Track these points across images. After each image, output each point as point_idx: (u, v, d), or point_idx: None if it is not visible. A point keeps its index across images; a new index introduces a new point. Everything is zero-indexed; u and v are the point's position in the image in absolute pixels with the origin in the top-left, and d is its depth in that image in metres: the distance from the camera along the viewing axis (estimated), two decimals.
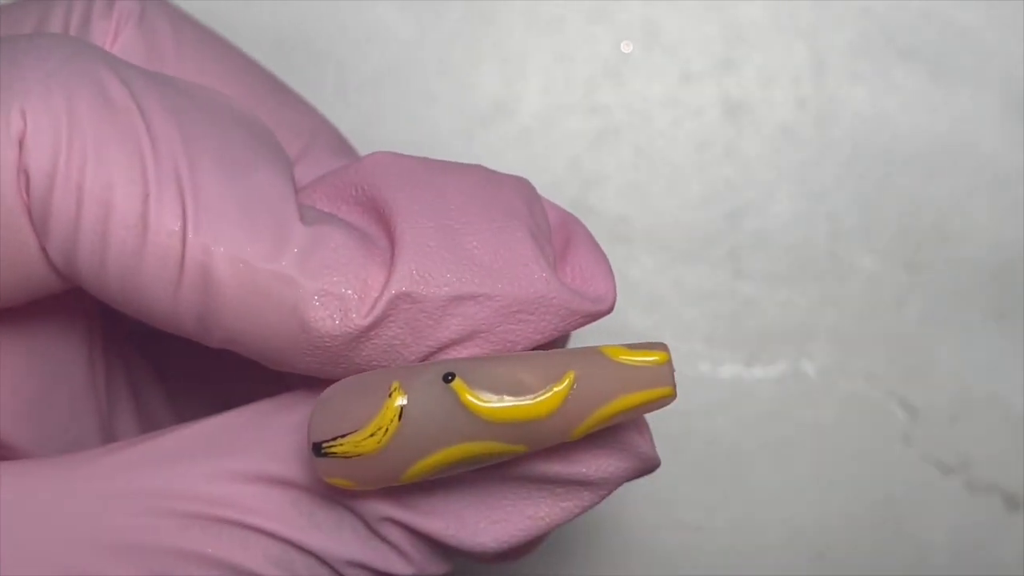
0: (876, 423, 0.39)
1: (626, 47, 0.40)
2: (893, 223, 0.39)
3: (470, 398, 0.23)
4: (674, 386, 0.24)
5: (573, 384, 0.23)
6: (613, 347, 0.24)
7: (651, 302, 0.40)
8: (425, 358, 0.24)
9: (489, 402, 0.23)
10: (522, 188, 0.26)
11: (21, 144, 0.23)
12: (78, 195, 0.23)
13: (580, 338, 0.29)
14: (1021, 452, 0.39)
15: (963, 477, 0.39)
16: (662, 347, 0.24)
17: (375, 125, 0.39)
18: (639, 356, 0.24)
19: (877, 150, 0.39)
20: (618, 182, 0.40)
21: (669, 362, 0.24)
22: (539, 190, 0.27)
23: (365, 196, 0.25)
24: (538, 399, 0.23)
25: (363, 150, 0.30)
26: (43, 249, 0.24)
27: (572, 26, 0.40)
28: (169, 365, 0.31)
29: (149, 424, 0.30)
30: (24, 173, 0.23)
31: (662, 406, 0.24)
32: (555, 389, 0.23)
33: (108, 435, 0.28)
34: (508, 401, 0.23)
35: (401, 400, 0.23)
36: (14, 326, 0.25)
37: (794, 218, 0.39)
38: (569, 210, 0.27)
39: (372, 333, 0.24)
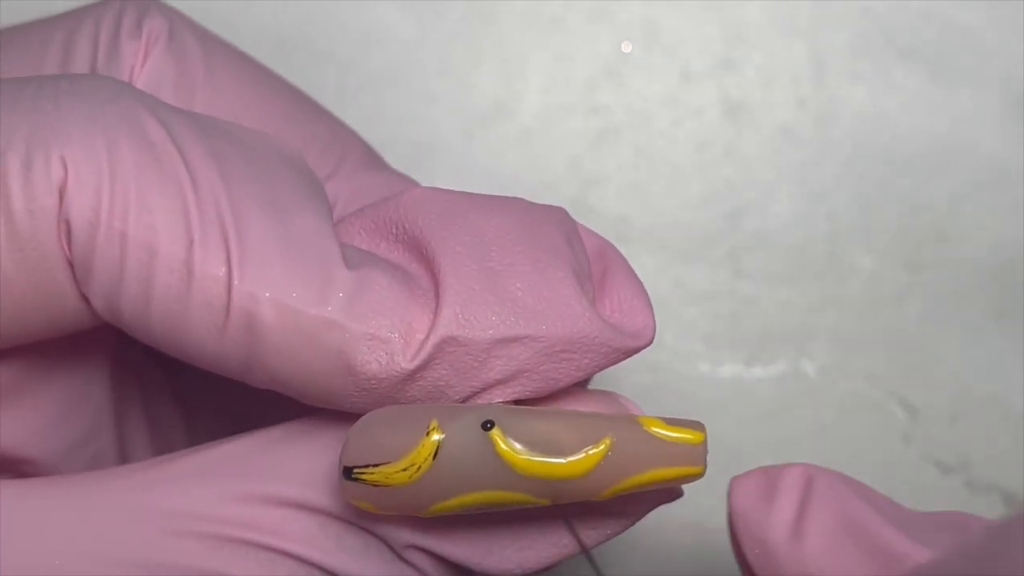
0: (876, 423, 0.39)
1: (626, 47, 0.40)
2: (893, 223, 0.39)
3: (505, 448, 0.23)
4: (705, 467, 0.24)
5: (608, 450, 0.24)
6: (651, 419, 0.24)
7: (651, 302, 0.40)
8: (469, 397, 0.24)
9: (523, 455, 0.23)
10: (561, 221, 0.26)
11: (62, 193, 0.23)
12: (122, 242, 0.23)
13: None
14: (1021, 452, 0.39)
15: (963, 477, 0.39)
16: (699, 427, 0.24)
17: (375, 125, 0.39)
18: (676, 432, 0.24)
19: (877, 150, 0.40)
20: (618, 182, 0.40)
21: (704, 443, 0.24)
22: (539, 190, 0.27)
23: (406, 235, 0.25)
24: (572, 460, 0.24)
25: None
26: (83, 296, 0.24)
27: (572, 26, 0.40)
28: (184, 380, 0.30)
29: (161, 438, 0.30)
30: (65, 222, 0.23)
31: (689, 482, 0.24)
32: (590, 452, 0.24)
33: (121, 449, 0.28)
34: (542, 457, 0.23)
35: (438, 439, 0.23)
36: (34, 346, 0.25)
37: (794, 218, 0.40)
38: (569, 210, 0.27)
39: (418, 375, 0.24)
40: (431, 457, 0.23)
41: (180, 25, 0.28)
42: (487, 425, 0.23)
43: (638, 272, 0.30)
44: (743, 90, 0.40)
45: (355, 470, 0.23)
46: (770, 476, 0.25)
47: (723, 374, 0.39)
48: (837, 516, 0.24)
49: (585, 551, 0.25)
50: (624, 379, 0.39)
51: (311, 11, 0.39)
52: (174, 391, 0.31)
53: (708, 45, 0.40)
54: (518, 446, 0.23)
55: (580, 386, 0.26)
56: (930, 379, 0.39)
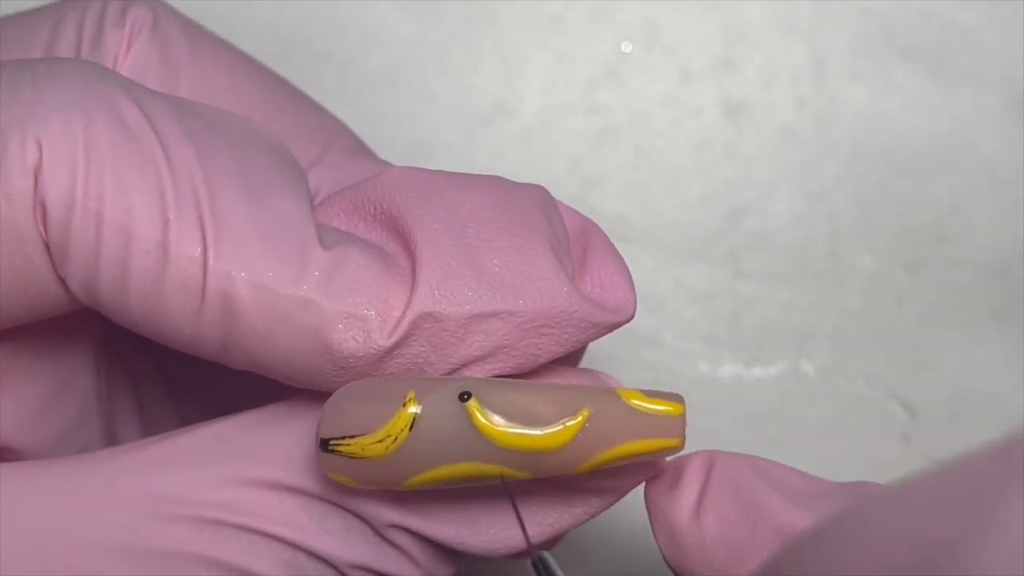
0: (876, 423, 0.39)
1: (626, 47, 0.40)
2: (893, 223, 0.39)
3: (482, 419, 0.23)
4: (683, 439, 0.24)
5: (586, 422, 0.24)
6: (630, 391, 0.24)
7: (651, 302, 0.40)
8: (449, 375, 0.24)
9: (500, 426, 0.23)
10: (540, 198, 0.26)
11: (37, 174, 0.23)
12: (97, 223, 0.23)
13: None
14: None
15: None
16: (678, 399, 0.24)
17: (375, 125, 0.39)
18: (654, 404, 0.24)
19: (877, 150, 0.39)
20: (618, 182, 0.40)
21: (683, 415, 0.24)
22: None
23: (384, 214, 0.25)
24: (549, 431, 0.23)
25: None
26: (60, 279, 0.24)
27: (572, 26, 0.40)
28: (171, 362, 0.30)
29: (150, 421, 0.30)
30: (41, 204, 0.23)
31: (668, 456, 0.24)
32: (568, 424, 0.24)
33: (110, 433, 0.28)
34: (519, 429, 0.23)
35: (414, 411, 0.23)
36: (19, 333, 0.25)
37: (794, 218, 0.40)
38: None
39: (395, 352, 0.24)
40: (407, 429, 0.23)
41: (164, 15, 0.28)
42: (464, 396, 0.23)
43: (638, 272, 0.30)
44: (743, 90, 0.40)
45: (331, 442, 0.23)
46: (677, 465, 0.26)
47: (723, 374, 0.39)
48: (732, 495, 0.25)
49: (517, 514, 0.25)
50: (623, 378, 0.39)
51: (311, 11, 0.39)
52: (166, 380, 0.31)
53: (708, 45, 0.40)
54: (495, 417, 0.23)
55: (566, 365, 0.26)
56: (930, 379, 0.39)
